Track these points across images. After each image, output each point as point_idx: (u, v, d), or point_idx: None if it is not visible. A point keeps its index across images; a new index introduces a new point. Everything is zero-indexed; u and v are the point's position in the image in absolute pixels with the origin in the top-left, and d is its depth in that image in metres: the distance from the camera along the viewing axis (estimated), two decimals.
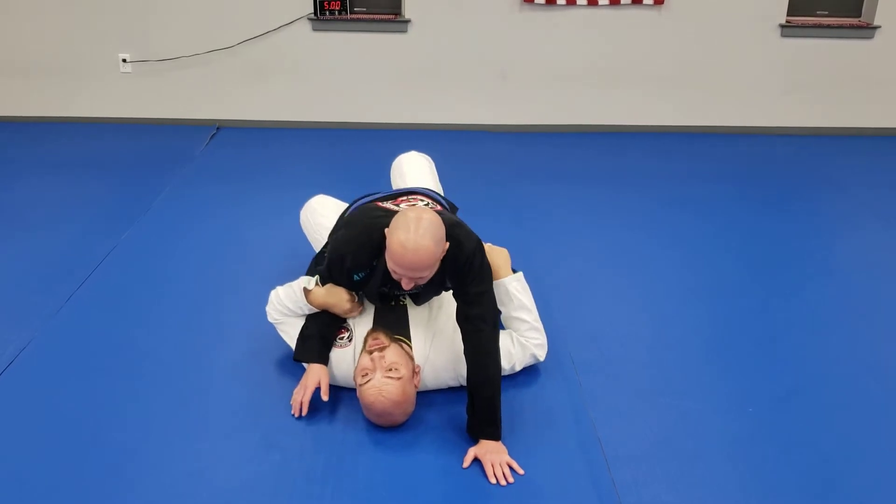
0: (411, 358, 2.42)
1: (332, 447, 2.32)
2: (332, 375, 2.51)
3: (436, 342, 2.50)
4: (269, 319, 2.66)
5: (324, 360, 2.50)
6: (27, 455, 2.25)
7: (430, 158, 3.22)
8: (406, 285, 2.26)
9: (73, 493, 2.12)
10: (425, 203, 2.60)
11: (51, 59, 5.28)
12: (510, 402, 2.53)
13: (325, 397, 2.41)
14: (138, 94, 5.37)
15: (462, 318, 2.36)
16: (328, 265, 2.47)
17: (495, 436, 2.29)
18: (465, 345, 2.35)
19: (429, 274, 2.26)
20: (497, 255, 2.66)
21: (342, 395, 2.53)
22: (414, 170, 3.12)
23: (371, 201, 2.68)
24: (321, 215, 2.99)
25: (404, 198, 2.67)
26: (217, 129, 5.37)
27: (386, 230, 2.26)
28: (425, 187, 2.90)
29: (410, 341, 2.48)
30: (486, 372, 2.31)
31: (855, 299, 3.28)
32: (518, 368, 2.64)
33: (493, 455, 2.24)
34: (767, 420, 2.49)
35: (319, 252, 2.83)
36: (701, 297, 3.27)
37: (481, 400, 2.29)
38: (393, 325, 2.49)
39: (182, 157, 4.81)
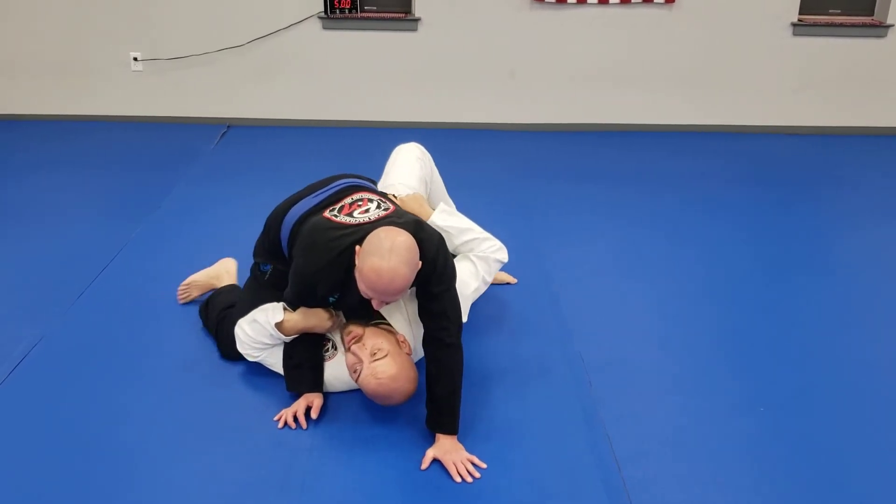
0: (391, 332, 2.42)
1: (342, 445, 2.32)
2: (332, 386, 2.51)
3: (415, 322, 2.48)
4: (248, 358, 2.58)
5: (318, 387, 2.47)
6: (37, 450, 2.26)
7: (424, 150, 3.05)
8: (377, 306, 2.25)
9: (81, 490, 2.12)
10: (376, 204, 2.46)
11: (63, 58, 5.31)
12: (519, 401, 2.53)
13: (314, 415, 2.39)
14: (149, 92, 5.39)
15: (424, 314, 2.34)
16: (298, 295, 2.40)
17: (453, 429, 2.28)
18: (426, 341, 2.33)
19: (401, 296, 2.25)
20: (411, 203, 2.66)
21: (350, 394, 2.53)
22: (399, 165, 2.97)
23: (315, 210, 2.48)
24: None
25: (349, 200, 2.49)
26: (227, 128, 5.39)
27: (357, 248, 2.23)
28: (360, 178, 2.71)
29: (384, 321, 2.48)
30: (448, 367, 2.30)
31: (867, 298, 3.26)
32: (490, 280, 2.70)
33: (453, 454, 2.24)
34: (779, 419, 2.47)
35: (255, 265, 2.72)
36: (712, 295, 3.26)
37: (442, 395, 2.29)
38: (366, 317, 2.46)
39: (192, 156, 4.82)
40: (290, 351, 2.50)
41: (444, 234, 2.55)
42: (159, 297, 3.12)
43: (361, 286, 2.21)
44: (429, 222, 2.59)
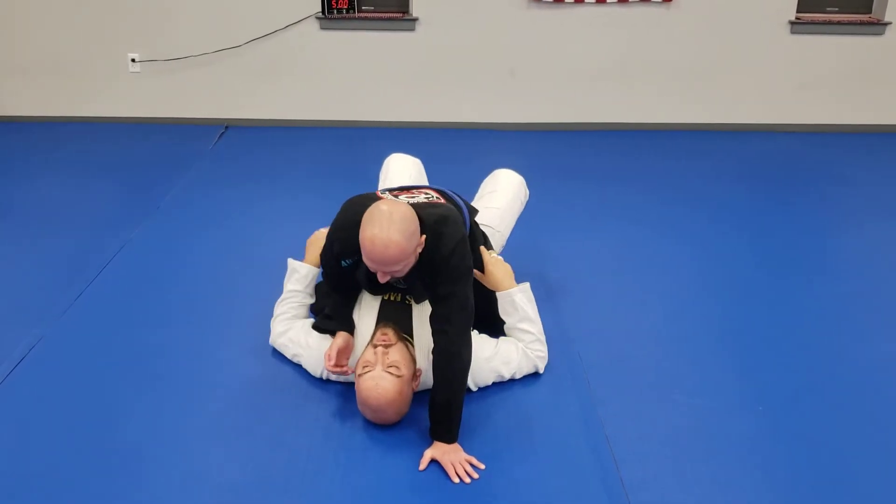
0: (414, 360, 2.41)
1: (340, 445, 2.31)
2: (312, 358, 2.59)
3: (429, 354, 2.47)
4: (272, 331, 2.74)
5: (346, 328, 2.50)
6: (35, 452, 2.26)
7: (526, 187, 3.16)
8: (381, 278, 2.24)
9: (79, 491, 2.12)
10: (425, 195, 2.52)
11: (60, 59, 5.30)
12: (518, 401, 2.53)
13: (332, 357, 2.40)
14: (147, 93, 5.39)
15: (431, 316, 2.34)
16: (323, 247, 2.52)
17: (449, 439, 2.26)
18: (433, 345, 2.32)
19: (402, 268, 2.22)
20: (498, 267, 2.65)
21: (350, 393, 2.53)
22: (503, 204, 3.06)
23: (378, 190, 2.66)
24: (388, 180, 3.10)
25: (409, 191, 2.64)
26: (225, 129, 5.38)
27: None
28: (429, 185, 2.85)
29: (413, 341, 2.47)
30: (445, 375, 2.28)
31: (867, 296, 3.26)
32: (518, 377, 2.62)
33: (451, 455, 2.22)
34: (778, 418, 2.47)
35: None
36: (711, 294, 3.26)
37: (438, 402, 2.27)
38: (397, 323, 2.47)
39: (191, 157, 4.82)
40: (328, 306, 2.58)
41: (509, 308, 2.62)
42: (158, 298, 3.12)
43: (363, 256, 2.21)
44: (507, 292, 2.62)
